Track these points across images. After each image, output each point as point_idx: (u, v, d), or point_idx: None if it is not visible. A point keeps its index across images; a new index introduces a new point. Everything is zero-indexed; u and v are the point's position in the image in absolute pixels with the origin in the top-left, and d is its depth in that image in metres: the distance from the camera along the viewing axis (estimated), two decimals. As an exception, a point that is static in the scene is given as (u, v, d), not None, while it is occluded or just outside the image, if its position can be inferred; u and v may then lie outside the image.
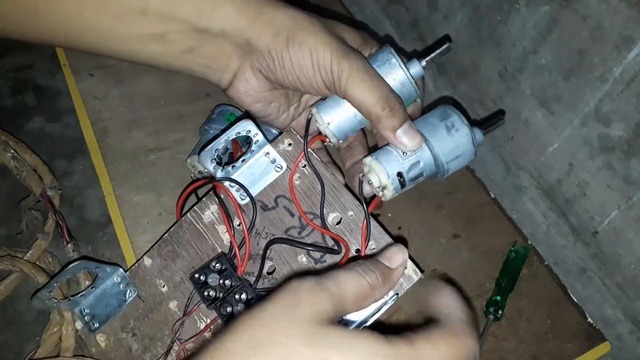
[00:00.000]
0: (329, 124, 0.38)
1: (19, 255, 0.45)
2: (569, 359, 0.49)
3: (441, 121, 0.37)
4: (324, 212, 0.40)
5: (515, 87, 0.53)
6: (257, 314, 0.25)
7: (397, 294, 0.34)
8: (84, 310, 0.42)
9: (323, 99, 0.40)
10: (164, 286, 0.43)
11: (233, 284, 0.39)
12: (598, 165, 0.47)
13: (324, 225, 0.39)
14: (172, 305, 0.43)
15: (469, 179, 0.60)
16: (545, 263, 0.55)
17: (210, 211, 0.47)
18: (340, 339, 0.24)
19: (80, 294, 0.42)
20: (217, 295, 0.39)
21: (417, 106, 0.41)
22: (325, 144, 0.40)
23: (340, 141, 0.40)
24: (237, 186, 0.41)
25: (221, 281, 0.39)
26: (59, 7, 0.34)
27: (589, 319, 0.52)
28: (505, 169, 0.58)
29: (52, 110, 0.55)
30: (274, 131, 0.52)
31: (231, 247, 0.42)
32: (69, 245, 0.46)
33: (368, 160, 0.37)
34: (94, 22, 0.34)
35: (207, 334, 0.40)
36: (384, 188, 0.37)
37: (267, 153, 0.40)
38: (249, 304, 0.37)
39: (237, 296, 0.38)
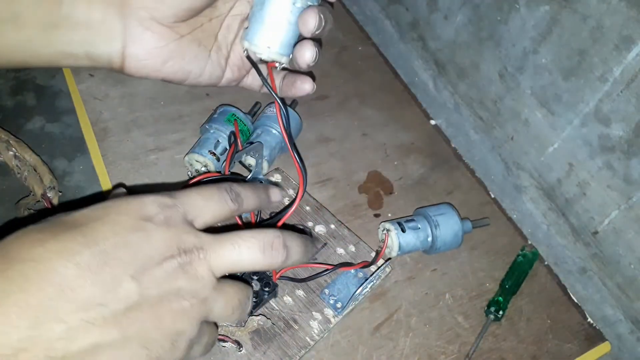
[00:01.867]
0: (269, 47, 0.36)
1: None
2: (569, 359, 0.49)
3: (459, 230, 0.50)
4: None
5: (515, 87, 0.53)
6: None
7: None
8: None
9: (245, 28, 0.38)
10: None
11: None
12: (598, 165, 0.47)
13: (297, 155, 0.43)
14: None
15: (468, 179, 0.60)
16: (545, 263, 0.55)
17: None
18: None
19: None
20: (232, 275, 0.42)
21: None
22: (278, 67, 0.38)
23: (290, 56, 0.38)
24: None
25: None
26: None
27: (589, 319, 0.52)
28: (505, 169, 0.58)
29: (52, 110, 0.55)
30: (275, 132, 0.52)
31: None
32: None
33: (393, 234, 0.48)
34: None
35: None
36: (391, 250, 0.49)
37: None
38: (262, 281, 0.42)
39: (252, 275, 0.42)
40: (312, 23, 0.35)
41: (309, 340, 0.42)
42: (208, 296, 0.29)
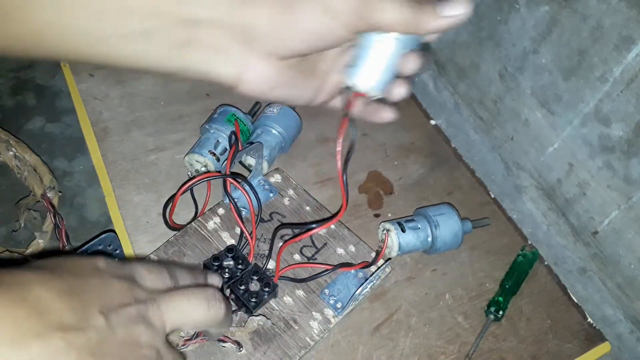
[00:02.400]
0: (370, 85, 0.38)
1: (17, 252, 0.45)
2: (569, 359, 0.49)
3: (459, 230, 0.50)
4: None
5: (515, 87, 0.53)
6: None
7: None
8: None
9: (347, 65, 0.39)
10: None
11: (246, 267, 0.44)
12: (598, 165, 0.47)
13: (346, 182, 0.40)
14: None
15: (468, 179, 0.60)
16: (545, 263, 0.55)
17: (214, 221, 0.48)
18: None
19: None
20: (232, 276, 0.43)
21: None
22: (371, 99, 0.40)
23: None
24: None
25: (235, 264, 0.43)
26: (35, 9, 0.30)
27: (589, 319, 0.52)
28: (505, 169, 0.58)
29: (52, 110, 0.55)
30: (275, 132, 0.52)
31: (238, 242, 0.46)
32: (65, 248, 0.46)
33: (393, 234, 0.48)
34: (73, 24, 0.31)
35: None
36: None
37: None
38: (262, 281, 0.43)
39: (251, 275, 0.43)
40: (414, 67, 0.38)
41: (309, 340, 0.42)
42: (160, 348, 0.31)
